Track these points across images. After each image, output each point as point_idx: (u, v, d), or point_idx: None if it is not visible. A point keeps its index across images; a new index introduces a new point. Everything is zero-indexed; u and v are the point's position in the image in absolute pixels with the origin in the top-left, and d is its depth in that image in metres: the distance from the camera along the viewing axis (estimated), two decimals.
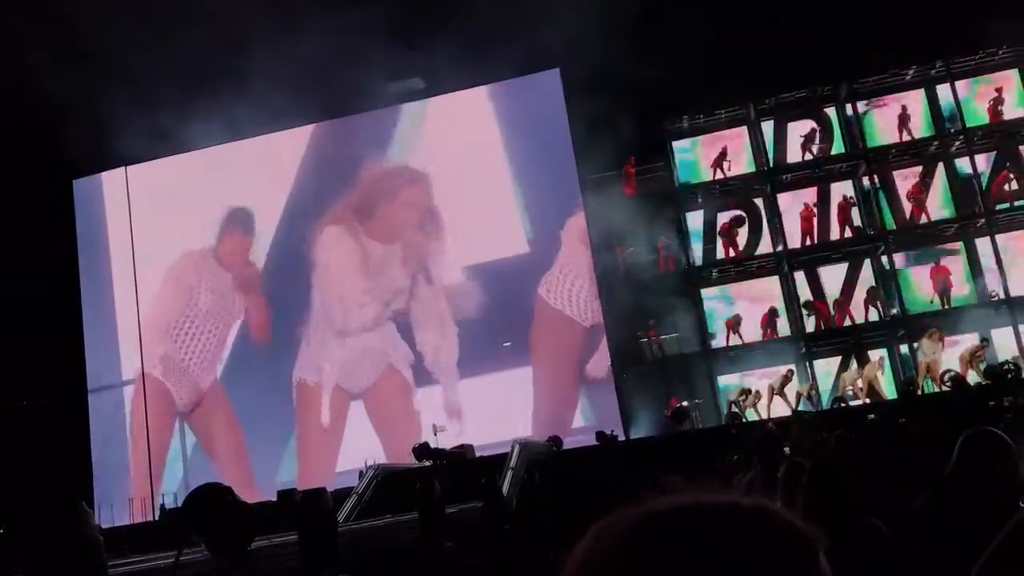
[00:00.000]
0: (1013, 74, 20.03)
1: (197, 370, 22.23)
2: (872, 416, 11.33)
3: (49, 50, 18.14)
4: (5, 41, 17.86)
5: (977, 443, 3.17)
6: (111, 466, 22.29)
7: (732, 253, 20.54)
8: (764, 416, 17.91)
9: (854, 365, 19.33)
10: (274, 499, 14.53)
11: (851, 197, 20.26)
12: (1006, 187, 19.58)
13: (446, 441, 16.48)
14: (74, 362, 22.49)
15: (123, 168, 23.12)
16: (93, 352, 22.95)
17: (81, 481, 21.03)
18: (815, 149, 20.53)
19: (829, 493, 3.54)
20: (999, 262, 19.09)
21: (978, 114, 19.98)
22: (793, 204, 20.50)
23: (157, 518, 18.80)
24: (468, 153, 20.93)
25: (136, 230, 22.98)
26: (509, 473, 13.54)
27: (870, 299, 19.40)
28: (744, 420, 17.88)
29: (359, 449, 19.07)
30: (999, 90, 19.82)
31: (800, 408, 17.71)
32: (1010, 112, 19.77)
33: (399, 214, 21.62)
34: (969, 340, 18.26)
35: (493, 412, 18.80)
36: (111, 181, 23.51)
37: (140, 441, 22.15)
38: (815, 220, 20.28)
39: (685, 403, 19.24)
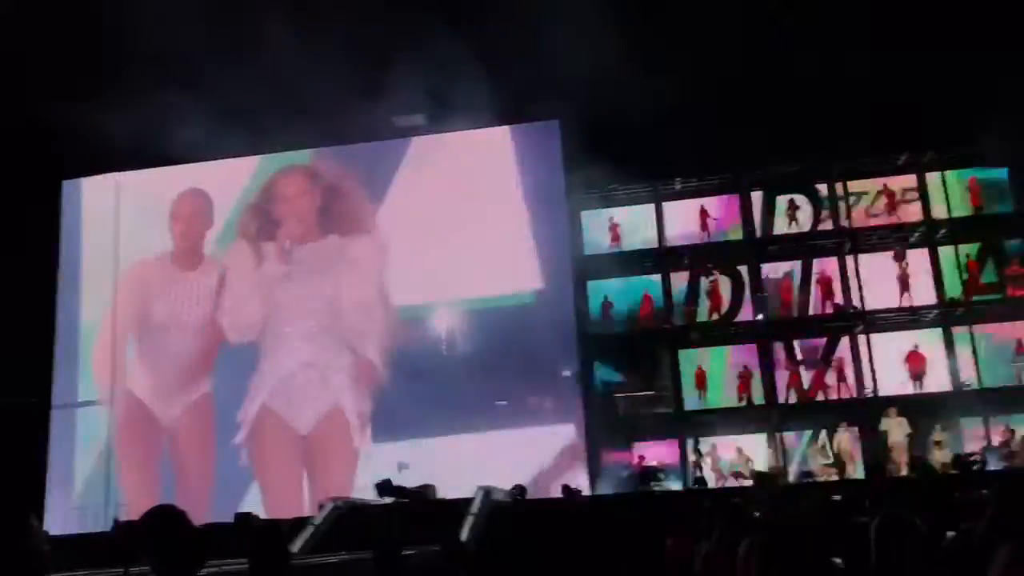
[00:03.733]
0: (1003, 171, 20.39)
1: (173, 382, 21.97)
2: (838, 497, 11.33)
3: (56, 48, 18.21)
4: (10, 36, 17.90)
5: (891, 529, 3.22)
6: (73, 475, 21.92)
7: (715, 315, 20.65)
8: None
9: (823, 439, 19.38)
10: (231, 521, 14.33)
11: (830, 273, 20.45)
12: (984, 279, 19.84)
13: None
14: (42, 370, 22.18)
15: (114, 174, 23.02)
16: (64, 359, 22.67)
17: (32, 492, 20.63)
18: (797, 222, 20.76)
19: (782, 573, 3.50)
20: (975, 352, 19.27)
21: (965, 204, 20.29)
22: (775, 274, 20.70)
23: (110, 530, 18.48)
24: (458, 196, 20.98)
25: (122, 239, 22.84)
26: (470, 519, 13.41)
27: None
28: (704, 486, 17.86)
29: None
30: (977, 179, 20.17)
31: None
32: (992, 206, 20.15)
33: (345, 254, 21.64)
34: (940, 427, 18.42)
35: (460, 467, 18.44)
36: (99, 186, 23.38)
37: (104, 452, 21.81)
38: (794, 293, 20.46)
39: (653, 463, 19.18)
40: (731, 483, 18.62)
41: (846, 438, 19.02)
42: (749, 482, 17.55)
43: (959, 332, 19.70)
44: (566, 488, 16.22)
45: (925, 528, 3.26)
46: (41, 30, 18.21)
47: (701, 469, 19.04)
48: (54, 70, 18.43)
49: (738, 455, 19.22)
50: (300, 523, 14.37)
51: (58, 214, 23.33)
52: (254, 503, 19.88)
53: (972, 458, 16.06)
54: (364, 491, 16.98)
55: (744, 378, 20.16)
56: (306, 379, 20.99)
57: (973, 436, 18.67)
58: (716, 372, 20.45)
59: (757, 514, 9.20)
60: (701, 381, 20.28)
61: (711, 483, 18.75)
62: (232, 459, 20.82)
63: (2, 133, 19.55)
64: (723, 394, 20.34)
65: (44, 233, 22.67)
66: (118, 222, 22.92)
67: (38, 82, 18.15)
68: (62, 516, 20.58)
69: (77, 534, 18.08)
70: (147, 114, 18.83)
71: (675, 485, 19.00)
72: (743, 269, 20.95)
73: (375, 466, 17.38)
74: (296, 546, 12.67)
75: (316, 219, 22.11)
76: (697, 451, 19.54)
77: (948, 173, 20.40)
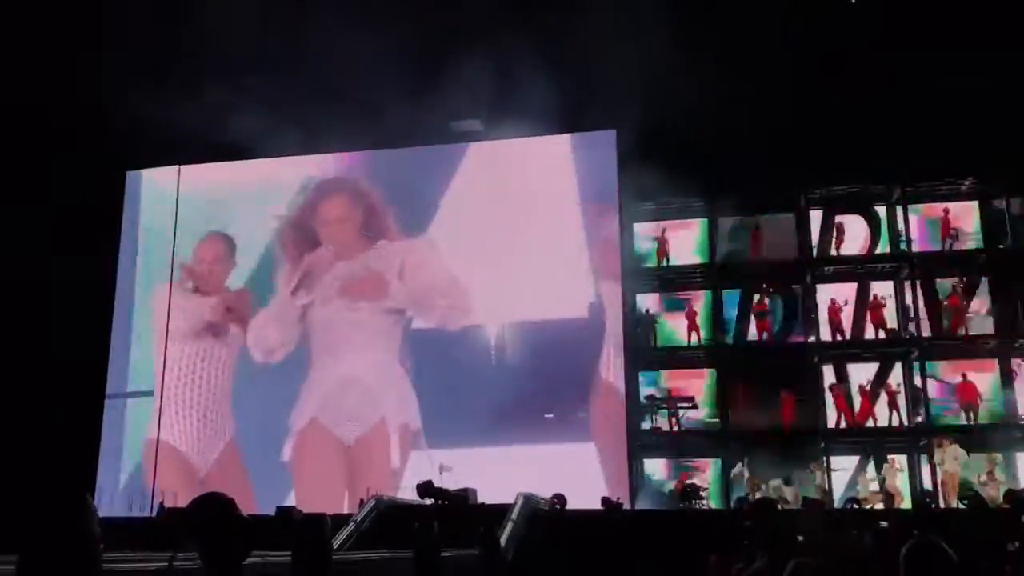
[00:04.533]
0: None
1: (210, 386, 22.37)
2: (884, 524, 11.14)
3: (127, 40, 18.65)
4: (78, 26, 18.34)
5: (922, 554, 3.25)
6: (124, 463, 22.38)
7: (764, 335, 20.42)
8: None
9: (871, 468, 19.05)
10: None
11: (884, 298, 20.09)
12: None
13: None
14: (98, 361, 22.68)
15: (175, 167, 23.47)
16: (119, 349, 23.18)
17: (87, 475, 21.11)
18: (842, 244, 20.44)
19: None
20: None
21: None
22: (830, 297, 20.39)
23: (155, 514, 18.84)
24: (517, 204, 21.05)
25: (179, 231, 23.29)
26: (509, 525, 13.41)
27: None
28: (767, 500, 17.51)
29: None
30: None
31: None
32: None
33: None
34: (993, 459, 18.02)
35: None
36: (161, 178, 23.83)
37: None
38: (842, 316, 20.13)
39: (695, 481, 19.01)
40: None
41: (894, 466, 18.66)
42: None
43: (1017, 363, 19.24)
44: (606, 500, 16.13)
45: (957, 557, 3.25)
46: (107, 22, 18.62)
47: (754, 489, 18.76)
48: (122, 62, 18.84)
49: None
50: (341, 520, 14.49)
51: (121, 204, 23.84)
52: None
53: None
54: (405, 494, 17.09)
55: (789, 401, 19.86)
56: (353, 391, 21.17)
57: None
58: (762, 392, 20.18)
59: (800, 538, 9.10)
60: (746, 401, 20.03)
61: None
62: (269, 464, 21.05)
63: (69, 122, 20.04)
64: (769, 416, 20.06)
65: (107, 223, 23.17)
66: (176, 213, 23.36)
67: (107, 73, 18.56)
68: (109, 500, 20.99)
69: (123, 517, 18.46)
70: (208, 109, 19.20)
71: (715, 503, 18.82)
72: (797, 288, 20.69)
73: (418, 477, 17.49)
74: (337, 541, 12.77)
75: (362, 228, 22.36)
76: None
77: (1014, 201, 19.96)
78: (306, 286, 22.06)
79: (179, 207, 23.34)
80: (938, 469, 18.14)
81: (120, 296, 23.41)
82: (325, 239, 22.43)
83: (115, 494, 21.39)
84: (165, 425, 22.19)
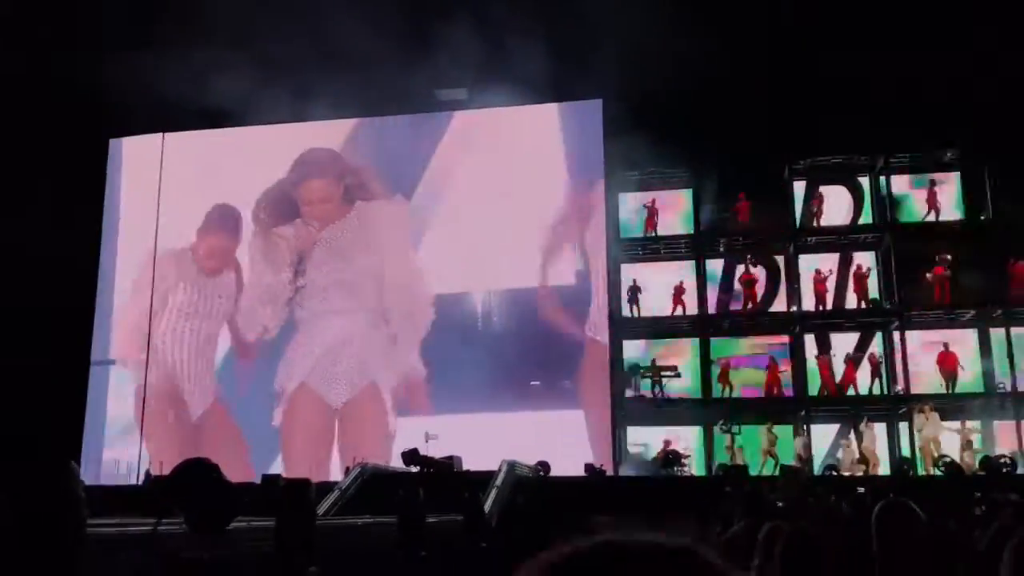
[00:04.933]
0: None
1: (197, 352, 22.33)
2: (862, 490, 11.32)
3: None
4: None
5: (891, 513, 3.34)
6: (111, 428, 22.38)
7: (750, 305, 20.54)
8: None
9: (852, 436, 19.28)
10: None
11: (867, 268, 20.24)
12: None
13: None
14: (82, 327, 22.61)
15: (158, 135, 23.28)
16: (103, 317, 23.10)
17: (71, 441, 21.10)
18: (821, 216, 20.57)
19: (804, 561, 3.56)
20: (1011, 355, 18.99)
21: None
22: (811, 267, 20.51)
23: (142, 483, 18.90)
24: (500, 173, 21.02)
25: (163, 203, 23.12)
26: (494, 491, 13.54)
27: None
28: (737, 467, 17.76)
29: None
30: None
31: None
32: None
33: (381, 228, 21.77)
34: (971, 427, 18.28)
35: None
36: (144, 146, 23.62)
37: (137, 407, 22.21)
38: (826, 286, 20.28)
39: (678, 448, 19.19)
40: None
41: (872, 434, 18.89)
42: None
43: (996, 333, 19.45)
44: (589, 466, 16.31)
45: (926, 517, 3.35)
46: None
47: (734, 456, 18.94)
48: (104, 28, 18.63)
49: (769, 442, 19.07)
50: (327, 487, 14.59)
51: (104, 171, 23.66)
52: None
53: (1002, 460, 15.93)
54: (393, 464, 17.20)
55: (773, 369, 20.05)
56: (342, 356, 21.21)
57: (1004, 438, 18.48)
58: (743, 361, 20.36)
59: (780, 504, 9.25)
60: (724, 376, 20.19)
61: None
62: (259, 427, 21.07)
63: (52, 90, 19.83)
64: (751, 384, 20.26)
65: (90, 191, 23.01)
66: (160, 182, 23.20)
67: (88, 40, 18.36)
68: (95, 467, 21.05)
69: (110, 485, 18.52)
70: (192, 77, 19.02)
71: (697, 470, 19.03)
72: (780, 259, 20.81)
73: (406, 443, 17.57)
74: (322, 508, 12.87)
75: (348, 194, 22.33)
76: (731, 435, 19.34)
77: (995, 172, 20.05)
78: (301, 272, 22.03)
79: (163, 175, 23.18)
80: (917, 436, 18.37)
81: (104, 264, 23.31)
82: (307, 216, 22.35)
83: (101, 461, 21.45)
84: (152, 391, 22.18)
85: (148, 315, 22.57)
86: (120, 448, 21.94)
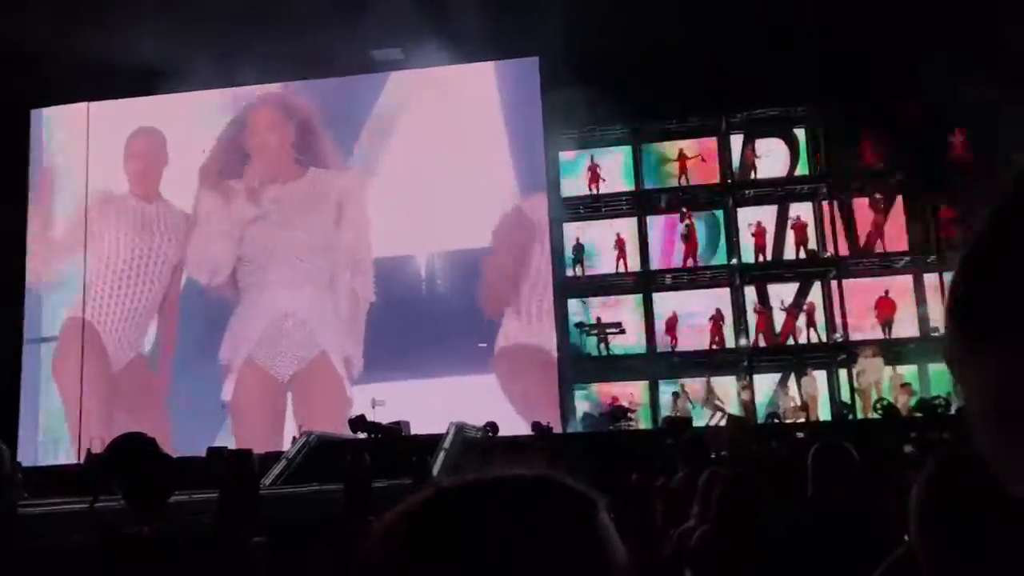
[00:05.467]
0: None
1: (135, 323, 21.86)
2: (801, 435, 11.60)
3: None
4: None
5: (826, 454, 3.42)
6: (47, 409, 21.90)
7: (690, 260, 20.76)
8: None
9: (792, 384, 19.70)
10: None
11: (806, 219, 20.55)
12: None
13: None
14: (13, 304, 21.99)
15: (83, 104, 22.59)
16: (35, 293, 22.50)
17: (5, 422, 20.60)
18: (756, 169, 20.79)
19: (740, 504, 3.63)
20: (944, 298, 19.46)
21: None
22: (751, 220, 20.76)
23: (82, 461, 18.56)
24: (437, 132, 20.81)
25: (92, 171, 22.50)
26: (442, 454, 13.58)
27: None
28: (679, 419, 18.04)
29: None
30: (963, 131, 20.16)
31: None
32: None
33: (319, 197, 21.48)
34: (907, 371, 18.78)
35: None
36: (69, 115, 22.91)
37: (74, 387, 21.71)
38: (767, 238, 20.58)
39: (624, 403, 19.42)
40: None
41: (813, 381, 19.31)
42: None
43: (930, 279, 19.93)
44: (536, 425, 16.43)
45: (860, 457, 3.44)
46: None
47: (677, 410, 19.21)
48: None
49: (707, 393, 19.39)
50: (273, 456, 14.50)
51: (27, 142, 22.92)
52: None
53: (936, 401, 16.40)
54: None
55: (716, 321, 20.34)
56: (289, 326, 20.94)
57: (939, 381, 19.01)
58: (687, 315, 20.59)
59: (724, 453, 9.41)
60: (672, 327, 20.43)
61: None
62: (204, 400, 20.73)
63: None
64: (693, 336, 20.52)
65: (15, 163, 22.28)
66: (87, 152, 22.57)
67: (6, 5, 17.68)
68: (32, 448, 20.63)
69: (48, 465, 18.17)
70: (118, 43, 18.46)
71: (644, 424, 19.28)
72: (719, 213, 21.03)
73: (357, 410, 17.46)
74: (268, 478, 12.79)
75: (290, 156, 21.92)
76: (675, 393, 19.63)
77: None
78: (254, 200, 21.57)
79: (90, 145, 22.54)
80: (859, 379, 18.79)
81: (32, 238, 22.65)
82: (257, 151, 21.87)
83: (37, 440, 21.02)
84: (89, 367, 21.73)
85: (82, 288, 22.05)
86: (59, 428, 21.50)
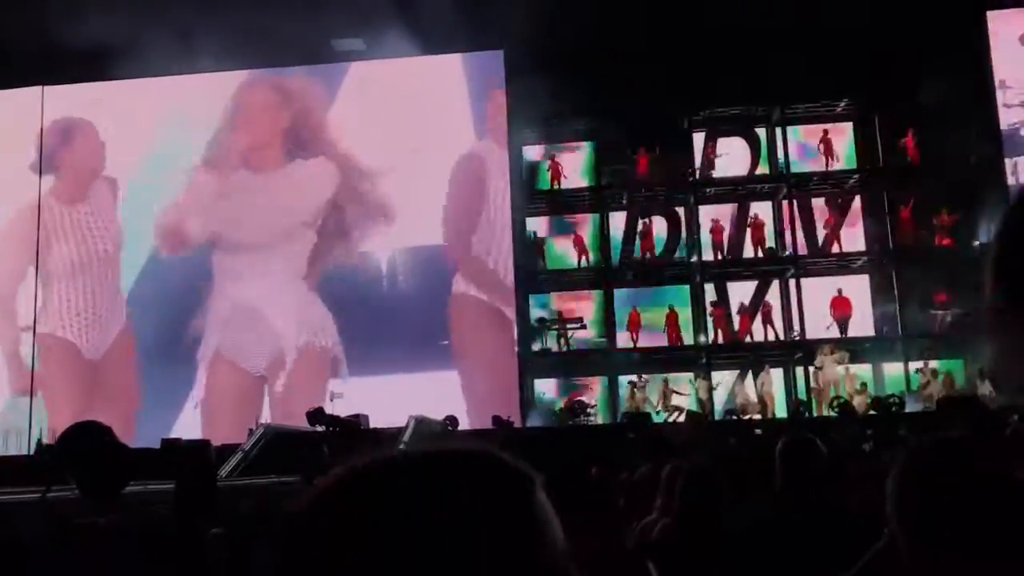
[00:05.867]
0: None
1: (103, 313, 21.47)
2: (759, 431, 11.71)
3: None
4: None
5: (794, 449, 3.39)
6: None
7: (648, 255, 20.88)
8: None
9: (749, 381, 19.90)
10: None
11: (764, 218, 20.76)
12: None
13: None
14: None
15: (40, 87, 22.09)
16: None
17: None
18: (727, 167, 20.98)
19: (702, 497, 3.64)
20: (898, 299, 19.85)
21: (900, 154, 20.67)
22: (710, 218, 20.93)
23: (34, 452, 18.22)
24: (394, 125, 20.68)
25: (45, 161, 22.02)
26: (401, 447, 13.48)
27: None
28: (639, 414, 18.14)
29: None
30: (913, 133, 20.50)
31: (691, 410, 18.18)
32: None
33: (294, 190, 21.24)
34: (861, 370, 19.07)
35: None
36: (22, 100, 22.40)
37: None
38: (724, 236, 20.76)
39: (583, 398, 19.50)
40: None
41: (770, 379, 19.52)
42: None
43: (885, 279, 20.25)
44: (496, 419, 16.42)
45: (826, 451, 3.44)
46: None
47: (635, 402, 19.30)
48: None
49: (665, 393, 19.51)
50: (230, 449, 14.32)
51: None
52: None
53: (891, 400, 16.67)
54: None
55: (673, 318, 20.47)
56: (255, 318, 20.68)
57: (893, 380, 19.34)
58: (649, 312, 20.70)
59: (683, 447, 9.47)
60: (635, 323, 20.51)
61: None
62: (161, 387, 20.40)
63: None
64: (653, 334, 20.64)
65: None
66: (41, 139, 22.10)
67: None
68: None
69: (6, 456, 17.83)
70: (67, 26, 18.07)
71: (603, 419, 19.37)
72: (680, 211, 21.17)
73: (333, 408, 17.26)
74: (225, 470, 12.63)
75: (256, 147, 21.66)
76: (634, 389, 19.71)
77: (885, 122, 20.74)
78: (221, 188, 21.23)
79: (44, 132, 22.07)
80: (818, 375, 19.01)
81: None
82: (244, 124, 21.55)
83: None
84: (44, 358, 21.31)
85: (35, 276, 21.61)
86: (12, 420, 21.03)
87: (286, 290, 20.77)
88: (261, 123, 21.73)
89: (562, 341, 20.51)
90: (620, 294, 20.96)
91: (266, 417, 19.40)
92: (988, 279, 0.56)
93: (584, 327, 20.58)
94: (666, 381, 19.51)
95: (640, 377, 19.57)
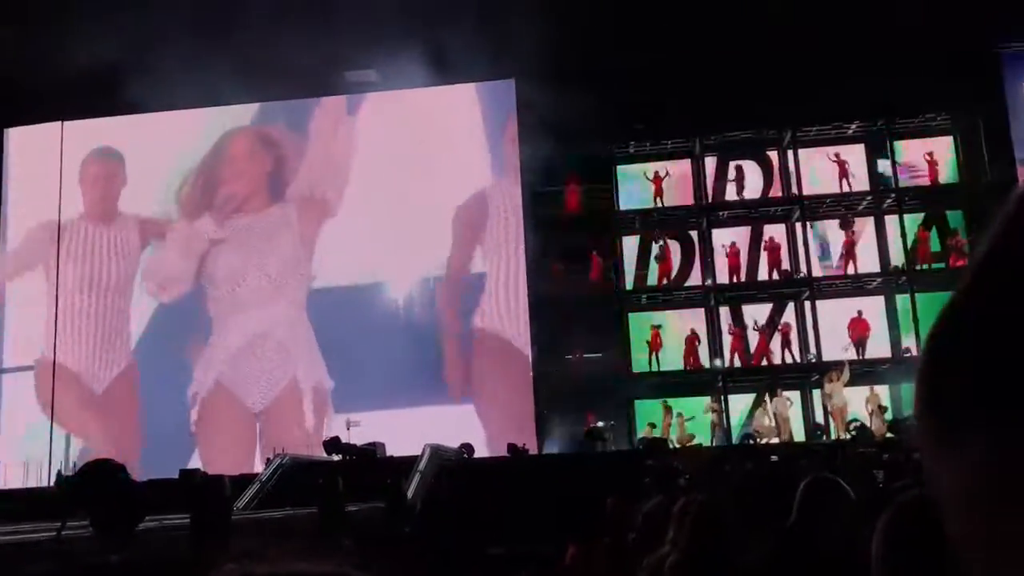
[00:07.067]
0: (948, 140, 20.76)
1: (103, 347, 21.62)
2: (775, 457, 11.61)
3: None
4: None
5: (817, 489, 3.24)
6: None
7: (664, 280, 20.84)
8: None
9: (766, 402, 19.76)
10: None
11: (779, 240, 20.71)
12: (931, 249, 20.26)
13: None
14: None
15: (57, 123, 22.39)
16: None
17: None
18: (741, 189, 20.98)
19: (709, 532, 3.63)
20: (915, 320, 19.68)
21: (913, 175, 20.62)
22: (726, 241, 20.89)
23: (54, 483, 18.29)
24: (409, 155, 20.80)
25: (65, 193, 22.28)
26: (417, 476, 13.49)
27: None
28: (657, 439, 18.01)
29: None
30: (931, 154, 20.48)
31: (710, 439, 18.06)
32: (943, 176, 20.52)
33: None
34: (880, 392, 18.91)
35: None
36: (42, 135, 22.68)
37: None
38: (740, 258, 20.71)
39: (600, 423, 19.40)
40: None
41: (786, 402, 19.38)
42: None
43: (902, 300, 20.12)
44: (512, 447, 16.39)
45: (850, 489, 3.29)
46: None
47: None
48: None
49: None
50: (246, 479, 14.36)
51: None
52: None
53: (910, 422, 16.46)
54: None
55: (691, 342, 20.39)
56: (258, 353, 20.75)
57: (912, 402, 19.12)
58: (667, 336, 20.62)
59: (688, 477, 9.43)
60: (656, 343, 20.42)
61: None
62: (168, 424, 20.47)
63: None
64: (670, 357, 20.54)
65: None
66: (62, 172, 22.37)
67: None
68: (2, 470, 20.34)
69: (20, 488, 17.92)
70: (92, 63, 18.33)
71: (621, 445, 19.25)
72: (693, 234, 21.14)
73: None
74: (242, 501, 12.66)
75: (265, 184, 21.83)
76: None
77: (898, 144, 20.72)
78: (221, 224, 21.38)
79: (63, 164, 22.33)
80: (828, 402, 18.87)
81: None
82: (232, 177, 21.70)
83: (9, 465, 20.69)
84: (60, 391, 21.43)
85: (54, 314, 21.79)
86: (33, 450, 21.14)
87: (291, 323, 20.87)
88: (249, 170, 21.93)
89: (577, 367, 20.41)
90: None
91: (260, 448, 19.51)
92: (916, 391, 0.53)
93: (600, 353, 20.48)
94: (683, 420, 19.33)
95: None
